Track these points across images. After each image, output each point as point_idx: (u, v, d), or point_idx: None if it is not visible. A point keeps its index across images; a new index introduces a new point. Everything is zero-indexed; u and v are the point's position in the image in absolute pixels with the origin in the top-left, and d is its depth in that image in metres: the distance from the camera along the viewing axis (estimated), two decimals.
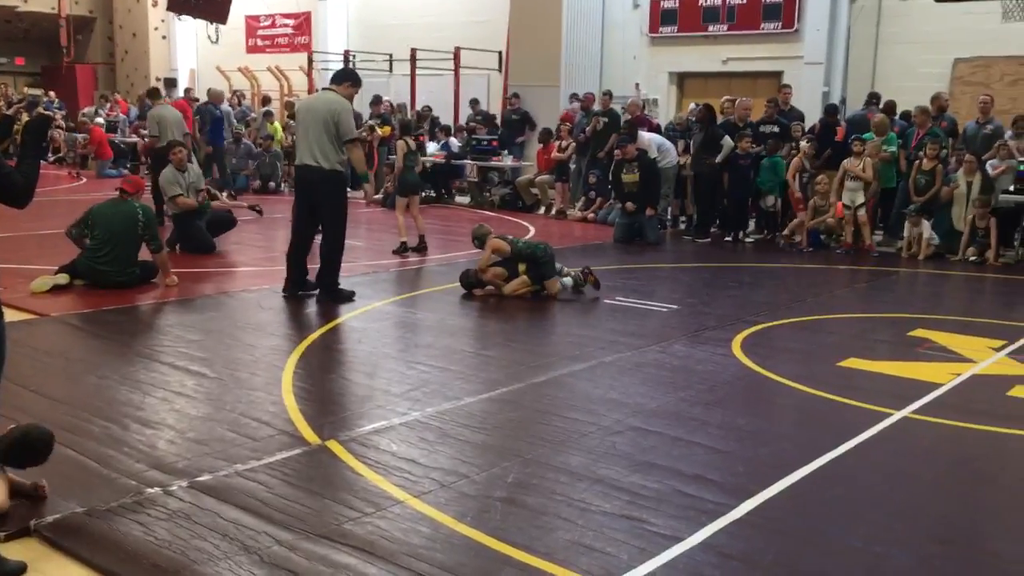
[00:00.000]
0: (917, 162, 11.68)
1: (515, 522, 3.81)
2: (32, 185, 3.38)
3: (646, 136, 13.17)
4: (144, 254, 8.46)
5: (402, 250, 10.61)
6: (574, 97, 16.06)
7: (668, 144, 13.23)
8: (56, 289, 7.99)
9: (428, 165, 16.79)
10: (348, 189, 8.33)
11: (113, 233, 8.17)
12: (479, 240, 8.68)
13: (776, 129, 12.79)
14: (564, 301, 8.37)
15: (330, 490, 4.09)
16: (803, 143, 12.20)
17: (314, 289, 8.12)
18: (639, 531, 3.76)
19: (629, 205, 12.28)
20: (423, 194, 16.36)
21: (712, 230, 12.91)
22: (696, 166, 12.81)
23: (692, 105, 15.09)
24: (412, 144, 10.94)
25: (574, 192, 15.15)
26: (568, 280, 8.59)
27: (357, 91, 8.18)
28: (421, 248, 10.79)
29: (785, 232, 12.26)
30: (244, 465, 4.31)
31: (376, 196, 10.66)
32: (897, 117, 12.78)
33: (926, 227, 11.41)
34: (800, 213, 12.07)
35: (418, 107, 18.57)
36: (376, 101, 17.85)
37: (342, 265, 8.19)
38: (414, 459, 4.46)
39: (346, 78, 8.09)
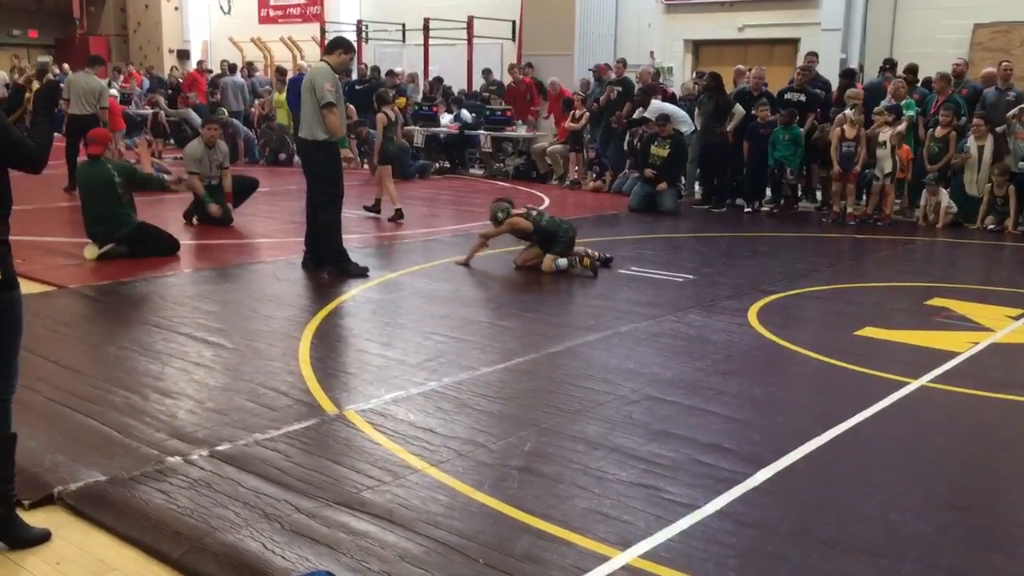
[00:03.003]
0: (931, 129, 11.55)
1: (532, 490, 3.83)
2: (46, 151, 3.39)
3: (657, 104, 13.08)
4: (150, 217, 8.50)
5: (398, 217, 10.87)
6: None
7: (682, 113, 13.13)
8: (106, 257, 8.16)
9: (442, 136, 16.76)
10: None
11: (94, 195, 8.24)
12: (496, 218, 8.49)
13: (803, 98, 12.58)
14: (581, 274, 8.33)
15: (348, 459, 4.12)
16: (848, 111, 11.60)
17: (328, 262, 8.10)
18: (656, 499, 3.78)
19: (649, 172, 12.23)
20: (437, 165, 16.44)
21: (727, 201, 12.83)
22: (706, 136, 12.70)
23: (693, 75, 14.95)
24: (391, 115, 11.27)
25: (587, 162, 15.09)
26: (563, 262, 8.24)
27: (350, 57, 8.12)
28: (374, 209, 11.05)
29: (835, 208, 11.75)
30: (263, 434, 4.35)
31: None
32: (919, 84, 12.61)
33: (944, 196, 11.31)
34: (838, 184, 11.67)
35: (431, 77, 18.49)
36: (390, 73, 17.78)
37: (353, 237, 8.14)
38: (431, 428, 4.49)
39: (337, 46, 8.01)
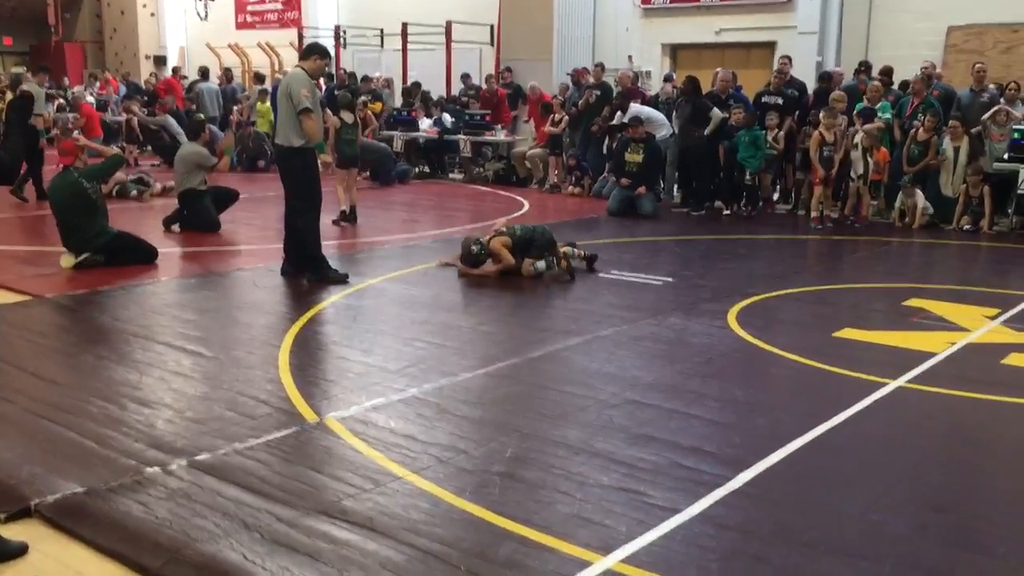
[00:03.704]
0: (912, 132, 11.63)
1: (514, 496, 3.83)
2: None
3: (635, 107, 13.12)
4: (123, 225, 8.44)
5: (340, 219, 10.97)
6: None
7: (660, 117, 13.17)
8: (83, 266, 8.10)
9: (421, 141, 16.74)
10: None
11: (64, 207, 8.17)
12: (472, 252, 8.17)
13: (780, 101, 12.65)
14: (558, 275, 8.34)
15: (329, 467, 4.10)
16: (822, 115, 11.49)
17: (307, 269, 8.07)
18: (637, 503, 3.78)
19: (624, 181, 12.25)
20: (417, 170, 16.42)
21: (706, 204, 12.86)
22: (684, 139, 12.72)
23: (664, 79, 14.96)
24: (348, 118, 11.34)
25: (566, 166, 15.09)
26: (541, 264, 8.24)
27: (326, 63, 8.10)
28: (351, 219, 11.07)
29: (814, 213, 11.58)
30: (243, 443, 4.33)
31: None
32: (895, 86, 12.70)
33: (920, 197, 11.40)
34: (818, 188, 11.54)
35: (408, 81, 18.46)
36: (365, 78, 17.75)
37: (332, 243, 8.11)
38: (412, 435, 4.48)
39: (312, 52, 7.98)
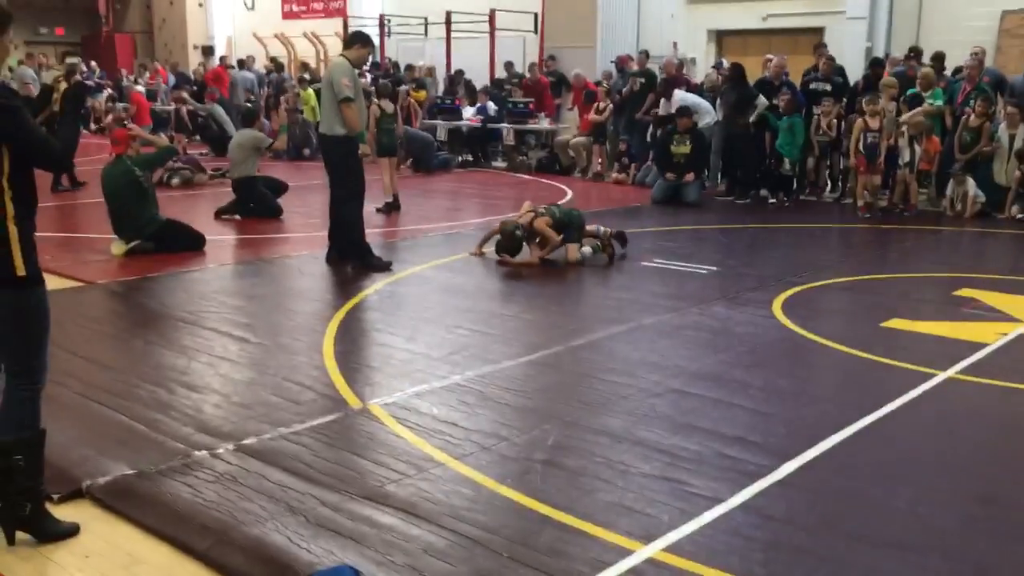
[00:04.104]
0: (964, 118, 11.39)
1: (555, 484, 3.83)
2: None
3: (679, 94, 13.01)
4: (173, 213, 8.58)
5: (385, 208, 10.99)
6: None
7: (705, 104, 13.05)
8: (133, 253, 8.24)
9: (464, 129, 16.77)
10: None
11: (116, 194, 8.31)
12: (511, 237, 8.07)
13: (828, 87, 12.47)
14: (601, 263, 8.32)
15: (372, 453, 4.14)
16: (864, 101, 11.25)
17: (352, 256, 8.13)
18: (679, 492, 3.76)
19: (670, 176, 12.15)
20: (460, 159, 16.46)
21: (751, 192, 12.72)
22: (728, 127, 12.58)
23: (712, 66, 14.80)
24: (388, 107, 11.41)
25: (611, 154, 15.03)
26: (588, 250, 8.36)
27: (369, 51, 8.14)
28: (394, 207, 11.08)
29: (860, 202, 11.33)
30: (288, 428, 4.38)
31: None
32: (949, 72, 12.44)
33: (971, 185, 11.16)
34: (863, 176, 11.33)
35: (452, 70, 18.49)
36: (409, 67, 17.82)
37: (376, 231, 8.16)
38: (455, 422, 4.50)
39: (355, 40, 8.03)
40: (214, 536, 3.36)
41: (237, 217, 10.35)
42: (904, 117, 11.30)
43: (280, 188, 11.02)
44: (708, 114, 12.85)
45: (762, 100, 12.20)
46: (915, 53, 13.05)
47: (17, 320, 3.30)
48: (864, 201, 11.35)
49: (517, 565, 3.19)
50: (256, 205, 10.44)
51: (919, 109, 11.35)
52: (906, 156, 11.29)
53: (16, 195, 3.29)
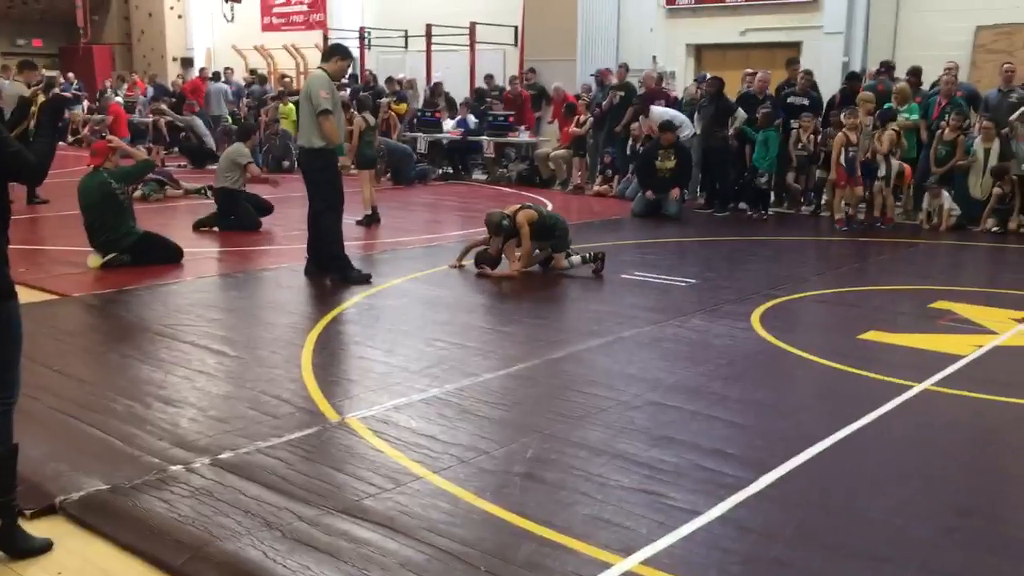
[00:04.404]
0: (939, 132, 11.52)
1: (534, 497, 3.82)
2: (45, 163, 3.39)
3: (658, 110, 13.07)
4: (150, 226, 8.54)
5: (365, 221, 10.99)
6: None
7: (683, 117, 13.12)
8: (110, 266, 8.18)
9: (445, 142, 16.78)
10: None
11: (92, 206, 8.26)
12: (497, 227, 8.21)
13: (806, 102, 12.57)
14: (582, 277, 8.35)
15: (350, 466, 4.11)
16: (843, 115, 11.34)
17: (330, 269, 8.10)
18: (658, 505, 3.76)
19: (649, 194, 12.19)
20: (440, 172, 16.46)
21: (731, 205, 12.78)
22: (707, 140, 12.64)
23: (694, 79, 14.86)
24: (370, 120, 11.43)
25: (592, 167, 15.08)
26: (576, 259, 8.47)
27: (347, 64, 8.14)
28: (374, 219, 11.09)
29: (838, 215, 11.39)
30: (265, 442, 4.35)
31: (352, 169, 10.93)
32: (926, 86, 12.56)
33: (946, 198, 11.29)
34: (841, 190, 11.37)
35: (432, 83, 18.50)
36: (389, 79, 17.83)
37: (355, 244, 8.14)
38: (433, 435, 4.48)
39: (333, 53, 8.03)
40: (189, 551, 3.33)
41: (215, 229, 10.30)
42: (876, 137, 11.34)
43: (265, 208, 10.97)
44: (686, 127, 12.92)
45: (741, 113, 12.28)
46: (886, 67, 13.17)
47: None
48: (841, 214, 11.42)
49: None
50: (236, 219, 10.40)
51: (886, 130, 11.41)
52: (883, 170, 11.39)
53: None
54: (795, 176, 12.49)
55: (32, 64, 13.05)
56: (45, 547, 3.36)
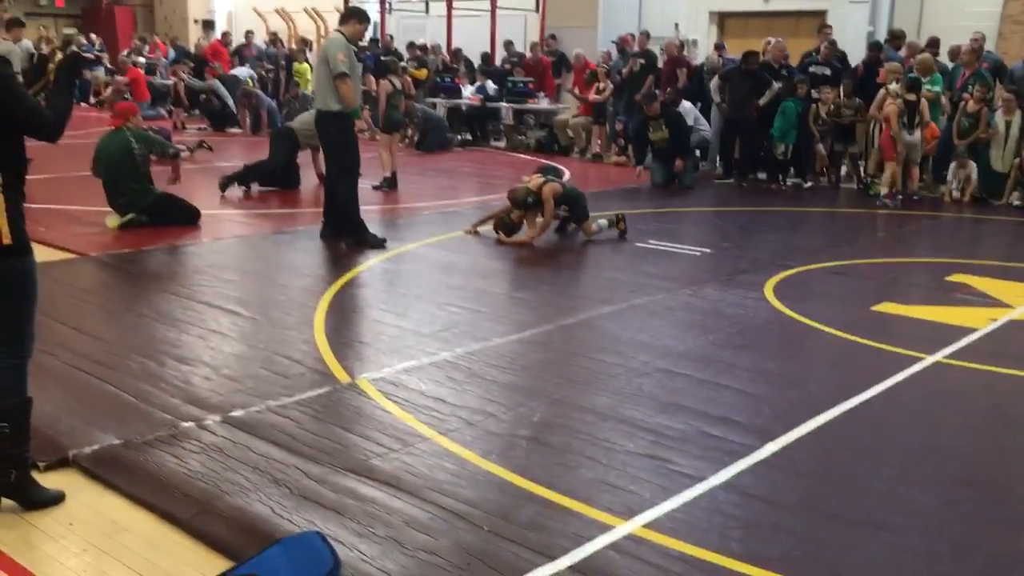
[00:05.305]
0: (962, 104, 11.36)
1: (539, 460, 3.86)
2: (63, 121, 3.42)
3: (687, 106, 12.98)
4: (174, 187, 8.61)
5: (384, 185, 10.96)
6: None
7: (688, 104, 13.02)
8: (128, 226, 8.23)
9: (464, 108, 16.72)
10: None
11: (112, 165, 8.30)
12: (523, 203, 8.18)
13: (828, 71, 12.41)
14: (596, 244, 8.35)
15: (358, 427, 4.16)
16: (893, 86, 11.04)
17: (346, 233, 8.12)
18: (662, 470, 3.79)
19: (639, 170, 12.21)
20: (459, 138, 16.42)
21: (750, 175, 12.68)
22: (738, 110, 12.46)
23: (714, 47, 14.67)
24: (396, 84, 11.34)
25: (611, 136, 15.00)
26: (604, 222, 8.62)
27: (365, 27, 8.08)
28: (392, 184, 11.06)
29: (883, 191, 11.01)
30: (276, 401, 4.40)
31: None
32: (945, 58, 12.37)
33: (974, 169, 11.12)
34: (890, 163, 11.02)
35: (452, 48, 18.40)
36: (411, 45, 17.75)
37: (371, 208, 8.15)
38: (442, 398, 4.52)
39: (351, 16, 7.97)
40: (198, 505, 3.39)
41: (245, 189, 10.44)
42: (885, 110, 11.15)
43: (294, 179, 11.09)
44: (691, 115, 12.85)
45: (775, 85, 12.12)
46: (892, 36, 12.97)
47: (3, 289, 3.31)
48: (888, 188, 11.02)
49: (497, 539, 3.22)
50: (281, 175, 10.64)
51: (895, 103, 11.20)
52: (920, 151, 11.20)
53: (4, 163, 3.29)
54: (819, 148, 12.34)
55: (20, 22, 12.93)
56: (58, 499, 3.43)
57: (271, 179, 10.74)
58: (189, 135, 15.89)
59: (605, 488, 3.62)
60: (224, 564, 3.00)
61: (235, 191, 10.39)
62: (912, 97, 10.83)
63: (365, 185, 10.61)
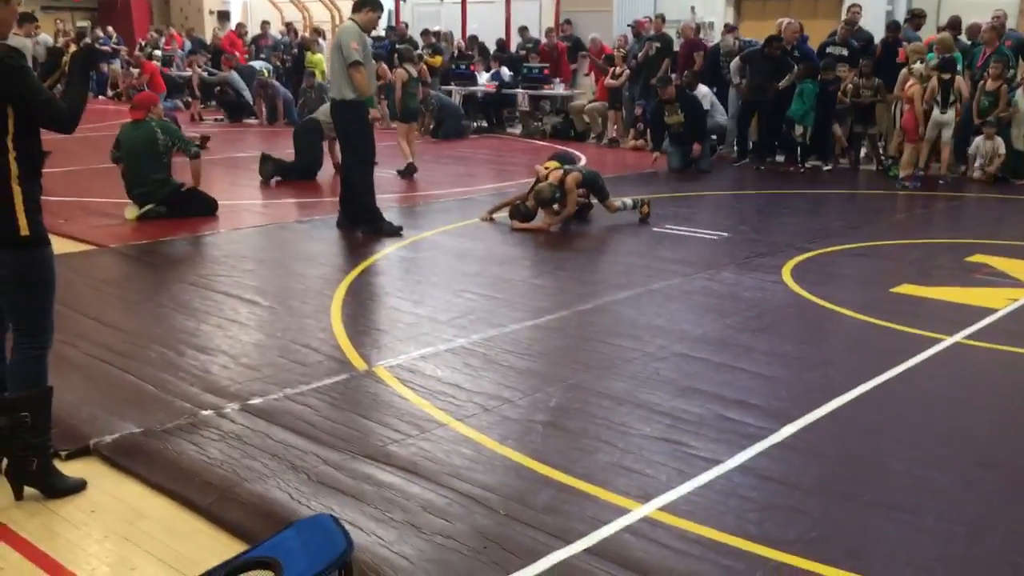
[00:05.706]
0: (982, 82, 11.22)
1: (555, 444, 3.87)
2: (77, 113, 3.44)
3: (704, 90, 12.90)
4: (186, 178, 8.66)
5: (407, 172, 10.99)
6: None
7: (704, 89, 12.94)
8: (146, 217, 8.30)
9: (479, 95, 16.69)
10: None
11: (135, 154, 8.36)
12: (550, 200, 8.20)
13: (845, 52, 12.30)
14: (613, 229, 8.34)
15: (376, 413, 4.19)
16: (918, 66, 10.93)
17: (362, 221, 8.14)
18: (679, 454, 3.79)
19: (654, 155, 12.19)
20: (475, 125, 16.40)
21: (768, 158, 12.59)
22: (757, 93, 12.35)
23: (725, 28, 14.54)
24: (413, 72, 11.35)
25: (627, 120, 14.93)
26: (629, 201, 8.72)
27: (378, 15, 8.04)
28: (410, 172, 11.09)
29: (903, 173, 10.90)
30: (294, 389, 4.43)
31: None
32: (964, 36, 12.22)
33: (1001, 144, 10.97)
34: (912, 144, 10.92)
35: (467, 35, 18.37)
36: (425, 32, 17.73)
37: (387, 196, 8.17)
38: (458, 384, 4.54)
39: (364, 4, 7.92)
40: (217, 492, 3.43)
41: (277, 179, 10.58)
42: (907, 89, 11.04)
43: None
44: (705, 99, 12.78)
45: (796, 68, 12.02)
46: (912, 15, 12.85)
47: (22, 280, 3.35)
48: (909, 170, 10.90)
49: (514, 523, 3.23)
50: (311, 165, 10.79)
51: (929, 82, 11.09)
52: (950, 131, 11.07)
53: (20, 155, 3.33)
54: (838, 129, 12.24)
55: (32, 17, 13.02)
56: (79, 486, 3.48)
57: (296, 172, 10.79)
58: (206, 126, 16.00)
59: (621, 472, 3.63)
60: (243, 550, 3.03)
61: (252, 178, 10.43)
62: (947, 76, 10.70)
63: (389, 171, 10.69)
